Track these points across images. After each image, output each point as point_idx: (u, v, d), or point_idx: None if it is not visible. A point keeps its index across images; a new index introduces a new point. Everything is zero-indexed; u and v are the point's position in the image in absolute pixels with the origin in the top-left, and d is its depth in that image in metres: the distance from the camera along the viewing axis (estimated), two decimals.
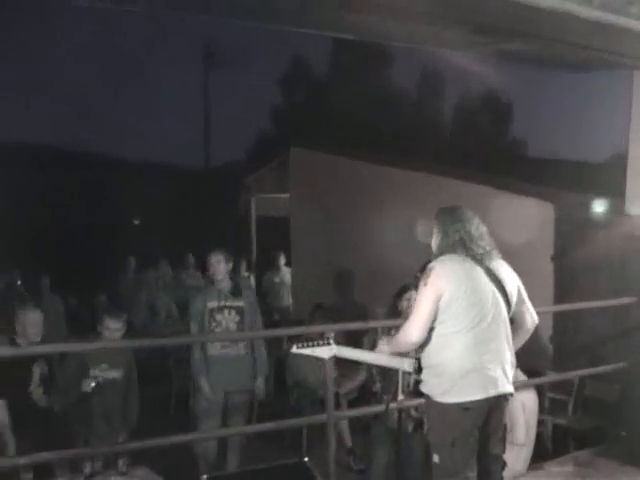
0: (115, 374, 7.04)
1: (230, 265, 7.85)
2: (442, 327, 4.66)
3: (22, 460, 5.42)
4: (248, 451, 7.65)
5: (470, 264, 4.70)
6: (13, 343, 6.71)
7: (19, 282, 13.33)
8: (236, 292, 7.79)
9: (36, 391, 6.74)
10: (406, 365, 5.00)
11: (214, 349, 7.58)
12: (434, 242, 4.90)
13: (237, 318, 7.69)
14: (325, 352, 5.02)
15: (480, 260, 4.73)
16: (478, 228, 4.82)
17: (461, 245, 4.73)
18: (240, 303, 7.75)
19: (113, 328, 7.01)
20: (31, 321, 6.76)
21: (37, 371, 6.73)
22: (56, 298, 12.53)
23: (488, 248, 4.80)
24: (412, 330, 4.71)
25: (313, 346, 5.02)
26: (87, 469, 5.82)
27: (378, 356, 5.38)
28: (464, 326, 4.61)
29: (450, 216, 4.86)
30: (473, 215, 4.87)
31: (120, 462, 6.02)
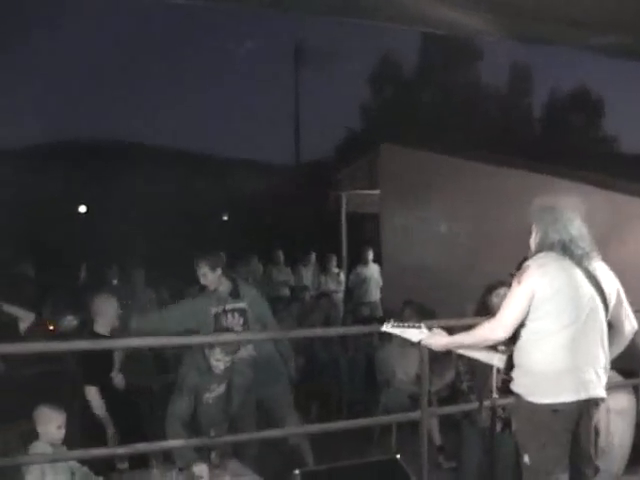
0: (222, 389, 6.81)
1: (219, 270, 7.58)
2: (534, 325, 4.60)
3: (120, 450, 5.52)
4: (337, 447, 7.68)
5: (568, 264, 4.63)
6: (92, 333, 6.92)
7: (114, 281, 13.57)
8: (235, 294, 7.63)
9: (117, 377, 6.91)
10: (495, 360, 4.95)
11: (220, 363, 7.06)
12: (533, 240, 4.83)
13: (241, 320, 7.56)
14: (415, 335, 4.96)
15: (579, 261, 4.64)
16: (579, 229, 4.73)
17: (560, 245, 4.65)
18: (240, 304, 7.60)
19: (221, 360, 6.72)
20: (108, 306, 6.98)
21: (117, 357, 6.88)
22: (149, 291, 12.72)
23: (588, 249, 4.71)
24: (498, 326, 4.66)
25: (404, 327, 4.98)
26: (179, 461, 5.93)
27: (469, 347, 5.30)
28: (557, 326, 4.54)
29: (551, 215, 4.77)
30: (575, 215, 4.78)
31: (213, 455, 6.11)
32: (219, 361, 6.59)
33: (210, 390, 6.72)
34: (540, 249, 4.74)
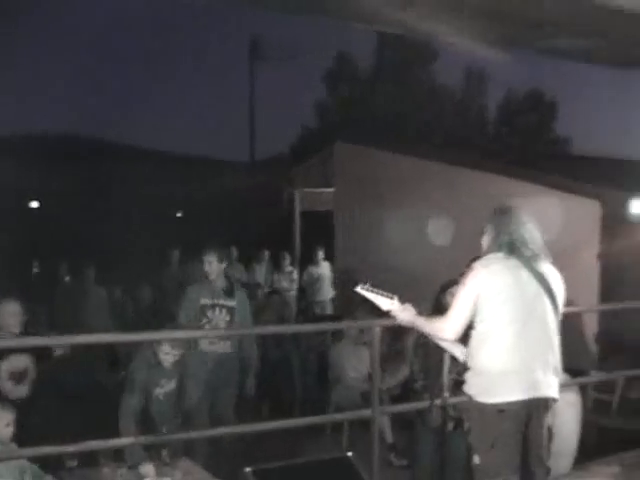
0: (172, 385, 6.93)
1: (224, 265, 7.94)
2: (481, 326, 4.61)
3: (70, 448, 5.46)
4: (289, 445, 7.68)
5: (515, 264, 4.63)
6: None
7: (66, 278, 13.45)
8: (229, 292, 7.91)
9: (5, 384, 6.66)
10: (458, 352, 4.96)
11: (203, 344, 7.69)
12: (485, 241, 4.84)
13: (227, 317, 7.80)
14: (386, 303, 4.96)
15: (527, 261, 4.65)
16: (531, 231, 4.75)
17: (510, 246, 4.67)
18: (232, 303, 7.86)
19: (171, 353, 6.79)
20: (10, 312, 6.80)
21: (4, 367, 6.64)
22: (101, 290, 12.62)
23: (537, 251, 4.72)
24: (447, 327, 4.69)
25: (378, 293, 4.97)
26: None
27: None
28: (502, 326, 4.55)
29: (504, 218, 4.79)
30: (527, 218, 4.80)
31: (163, 453, 6.08)
32: (167, 354, 6.65)
33: (160, 385, 6.78)
34: (490, 250, 4.76)
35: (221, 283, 7.89)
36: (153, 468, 5.86)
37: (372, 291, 4.97)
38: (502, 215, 4.83)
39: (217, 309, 7.78)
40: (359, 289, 5.00)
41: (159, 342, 6.58)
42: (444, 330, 4.71)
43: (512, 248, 4.66)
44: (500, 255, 4.67)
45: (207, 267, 7.84)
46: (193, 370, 7.24)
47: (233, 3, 7.41)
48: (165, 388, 6.83)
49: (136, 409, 6.45)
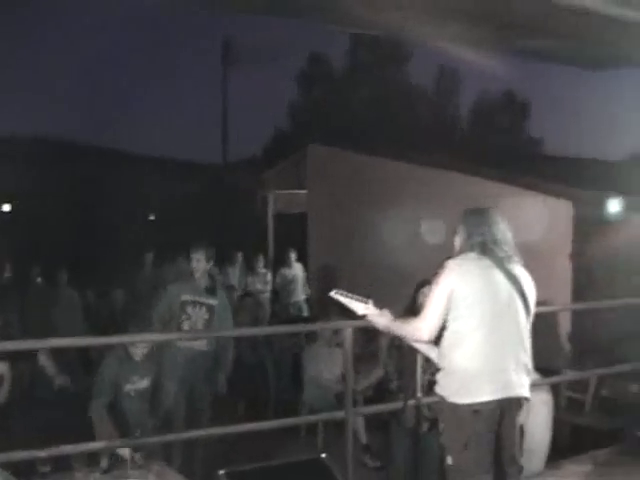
0: (145, 383, 6.99)
1: (210, 264, 8.11)
2: (453, 326, 4.60)
3: (42, 453, 5.42)
4: (263, 447, 7.67)
5: (488, 264, 4.63)
6: None
7: (39, 279, 13.40)
8: (211, 290, 8.01)
9: None
10: (433, 354, 4.96)
11: (179, 340, 7.80)
12: (457, 242, 4.82)
13: (206, 315, 7.87)
14: (360, 307, 4.96)
15: (500, 262, 4.65)
16: (503, 232, 4.75)
17: (482, 246, 4.67)
18: (213, 302, 7.94)
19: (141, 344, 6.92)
20: None
21: None
22: (73, 293, 12.56)
23: (510, 252, 4.72)
24: (421, 328, 4.67)
25: (352, 298, 4.97)
26: (104, 462, 5.87)
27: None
28: (474, 326, 4.55)
29: (477, 218, 4.79)
30: (501, 219, 4.79)
31: (137, 456, 6.05)
32: (137, 347, 6.77)
33: (131, 382, 6.84)
34: (462, 250, 4.76)
35: (204, 282, 7.99)
36: (128, 450, 5.84)
37: (346, 296, 4.97)
38: (474, 215, 4.83)
39: (197, 306, 7.85)
40: (333, 294, 4.99)
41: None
42: (419, 330, 4.70)
43: (484, 248, 4.65)
44: (472, 255, 4.68)
45: (194, 264, 7.96)
46: (169, 369, 7.36)
47: (205, 6, 7.38)
48: (136, 385, 6.89)
49: (105, 403, 6.54)
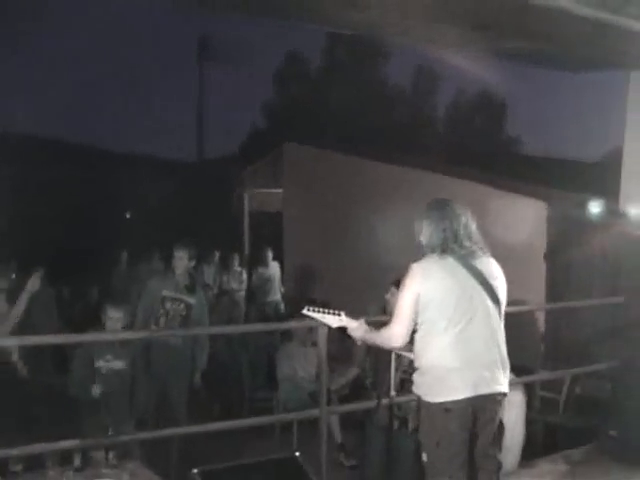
0: (120, 364, 7.12)
1: (192, 262, 8.26)
2: (423, 328, 4.63)
3: (14, 452, 5.39)
4: (238, 445, 7.66)
5: (452, 264, 4.63)
6: None
7: (13, 275, 13.30)
8: (191, 288, 8.15)
9: None
10: (412, 355, 4.97)
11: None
12: (422, 239, 4.79)
13: (184, 312, 8.00)
14: (334, 321, 4.98)
15: (464, 260, 4.65)
16: (466, 226, 4.72)
17: (445, 245, 4.65)
18: (191, 300, 8.07)
19: (115, 318, 7.12)
20: None
21: None
22: (48, 289, 12.50)
23: (474, 247, 4.71)
24: (394, 333, 4.71)
25: (324, 312, 4.98)
26: (77, 461, 5.83)
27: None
28: (443, 327, 4.56)
29: (438, 212, 4.75)
30: (463, 211, 4.77)
31: (110, 455, 6.02)
32: (111, 319, 7.10)
33: (105, 359, 7.02)
34: (426, 249, 4.75)
35: (185, 279, 8.10)
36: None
37: (318, 311, 4.99)
38: (436, 210, 4.79)
39: (176, 303, 7.98)
40: (305, 312, 5.01)
41: (105, 308, 7.11)
42: (392, 337, 4.73)
43: (445, 248, 4.65)
44: (435, 257, 4.67)
45: (177, 262, 8.07)
46: (141, 363, 7.50)
47: (182, 4, 7.36)
48: (110, 364, 7.05)
49: (80, 373, 6.86)
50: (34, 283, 6.89)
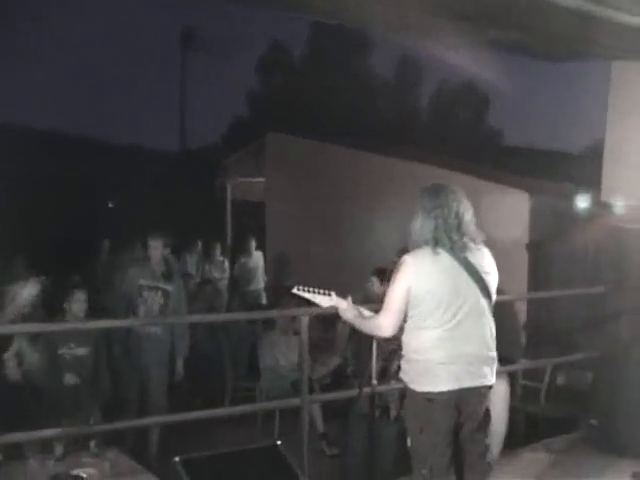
0: (83, 351, 7.22)
1: (167, 250, 8.51)
2: (412, 320, 4.63)
3: None
4: (220, 434, 7.66)
5: (444, 256, 4.59)
6: None
7: None
8: (168, 276, 8.23)
9: None
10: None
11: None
12: (413, 227, 4.70)
13: (162, 300, 8.09)
14: (325, 301, 4.96)
15: (456, 252, 4.60)
16: (458, 215, 4.62)
17: (437, 237, 4.58)
18: (169, 287, 8.16)
19: (81, 299, 7.33)
20: None
21: None
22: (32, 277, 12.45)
23: (466, 239, 4.64)
24: (383, 323, 4.70)
25: (315, 292, 4.97)
26: (58, 450, 5.82)
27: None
28: (433, 321, 4.56)
29: (431, 199, 4.65)
30: (457, 198, 4.66)
31: (91, 444, 6.01)
32: (78, 302, 7.31)
33: (68, 346, 7.17)
34: (417, 238, 4.68)
35: (161, 267, 8.18)
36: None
37: (309, 291, 4.98)
38: (429, 197, 4.69)
39: (154, 291, 8.05)
40: (295, 291, 5.00)
41: (70, 293, 7.34)
42: (381, 327, 4.71)
43: (436, 240, 4.60)
44: (427, 249, 4.62)
45: (152, 251, 8.15)
46: (120, 352, 7.79)
47: None
48: (74, 351, 7.21)
49: (44, 362, 6.93)
50: (32, 288, 6.96)
